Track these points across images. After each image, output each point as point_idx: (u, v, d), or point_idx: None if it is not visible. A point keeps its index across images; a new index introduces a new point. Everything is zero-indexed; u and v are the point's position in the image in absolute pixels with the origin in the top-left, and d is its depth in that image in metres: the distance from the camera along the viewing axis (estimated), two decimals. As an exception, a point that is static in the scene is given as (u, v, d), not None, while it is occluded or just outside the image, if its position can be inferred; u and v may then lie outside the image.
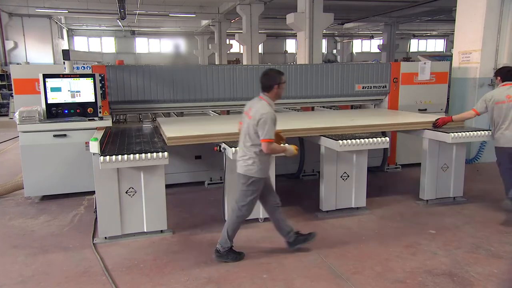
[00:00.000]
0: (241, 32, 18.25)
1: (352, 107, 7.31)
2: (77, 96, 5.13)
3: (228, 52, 24.22)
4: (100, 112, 5.20)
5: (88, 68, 5.50)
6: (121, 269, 3.58)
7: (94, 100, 5.16)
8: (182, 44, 31.79)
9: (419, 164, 5.32)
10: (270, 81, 3.57)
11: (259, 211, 4.53)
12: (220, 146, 4.32)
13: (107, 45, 30.57)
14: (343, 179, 4.77)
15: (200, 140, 4.45)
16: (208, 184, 6.03)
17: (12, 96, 8.79)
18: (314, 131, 4.78)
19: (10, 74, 10.24)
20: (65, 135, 5.15)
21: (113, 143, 4.38)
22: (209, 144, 4.47)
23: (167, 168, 4.23)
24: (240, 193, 3.68)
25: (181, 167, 5.87)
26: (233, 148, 4.01)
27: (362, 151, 4.72)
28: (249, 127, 3.52)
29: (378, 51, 30.10)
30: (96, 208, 4.20)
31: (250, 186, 3.59)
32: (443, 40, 36.17)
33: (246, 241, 4.14)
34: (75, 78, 5.09)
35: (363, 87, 6.67)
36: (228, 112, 6.64)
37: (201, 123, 5.42)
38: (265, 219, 4.59)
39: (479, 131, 4.88)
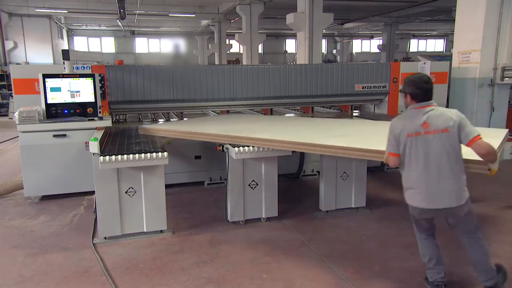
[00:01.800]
0: (241, 32, 18.24)
1: (351, 107, 7.32)
2: (76, 96, 5.13)
3: (228, 52, 24.20)
4: (100, 112, 5.20)
5: (88, 68, 5.50)
6: (120, 269, 3.58)
7: (94, 100, 5.16)
8: (182, 44, 31.77)
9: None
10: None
11: (262, 210, 4.53)
12: (223, 146, 4.32)
13: (107, 45, 30.55)
14: (343, 179, 4.77)
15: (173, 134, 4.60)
16: (208, 184, 6.02)
17: (12, 96, 8.79)
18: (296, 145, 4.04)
19: (9, 74, 10.23)
20: (64, 135, 5.14)
21: (113, 143, 4.39)
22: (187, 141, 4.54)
23: (167, 168, 4.23)
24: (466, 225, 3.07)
25: (181, 167, 5.87)
26: (236, 148, 4.01)
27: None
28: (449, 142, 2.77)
29: (378, 51, 30.11)
30: (96, 208, 4.20)
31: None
32: (443, 40, 36.16)
33: (246, 241, 4.14)
34: (74, 78, 5.09)
35: (362, 87, 6.67)
36: (228, 112, 6.64)
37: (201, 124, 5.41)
38: (268, 219, 4.60)
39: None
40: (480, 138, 2.73)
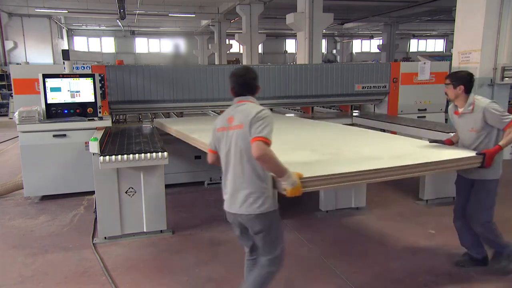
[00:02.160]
0: (241, 32, 18.23)
1: (351, 107, 7.33)
2: (76, 96, 5.13)
3: (228, 52, 24.18)
4: (99, 112, 5.20)
5: (88, 68, 5.50)
6: (120, 269, 3.58)
7: (93, 100, 5.16)
8: (181, 44, 31.76)
9: (418, 164, 5.31)
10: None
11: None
12: None
13: (107, 45, 30.53)
14: (343, 179, 4.76)
15: None
16: (208, 184, 6.03)
17: (12, 96, 8.79)
18: None
19: (9, 74, 10.23)
20: (64, 135, 5.15)
21: (112, 143, 4.39)
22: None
23: (167, 168, 4.23)
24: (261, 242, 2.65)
25: (181, 167, 5.87)
26: None
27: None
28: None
29: (378, 51, 30.09)
30: (95, 208, 4.20)
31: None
32: (442, 40, 36.15)
33: (246, 241, 4.14)
34: (74, 78, 5.09)
35: (362, 87, 6.67)
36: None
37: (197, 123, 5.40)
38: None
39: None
40: (264, 141, 2.27)
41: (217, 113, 6.55)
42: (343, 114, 7.29)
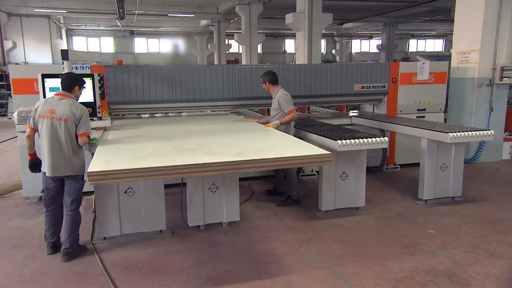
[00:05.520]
0: (240, 32, 18.23)
1: (347, 107, 7.36)
2: (76, 96, 5.11)
3: (227, 52, 24.18)
4: (99, 112, 5.18)
5: (87, 68, 5.49)
6: (120, 269, 3.57)
7: (93, 100, 5.14)
8: (181, 44, 31.76)
9: (418, 164, 5.32)
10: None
11: (223, 216, 4.50)
12: None
13: (106, 45, 30.53)
14: (342, 179, 4.78)
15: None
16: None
17: (11, 96, 8.76)
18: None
19: (8, 74, 10.20)
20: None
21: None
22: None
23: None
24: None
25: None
26: None
27: (361, 151, 4.73)
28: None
29: (377, 51, 30.11)
30: (95, 208, 4.20)
31: None
32: (442, 40, 36.20)
33: (245, 241, 4.15)
34: (74, 78, 5.07)
35: (362, 87, 6.67)
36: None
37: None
38: (229, 223, 4.57)
39: (478, 131, 4.88)
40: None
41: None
42: (340, 114, 7.30)
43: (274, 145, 3.85)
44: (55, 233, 3.91)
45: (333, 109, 7.85)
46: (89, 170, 2.79)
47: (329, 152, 3.37)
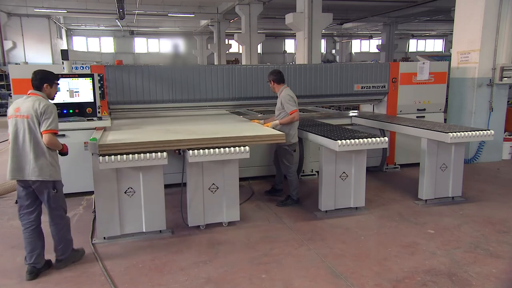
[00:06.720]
0: (240, 32, 18.23)
1: (339, 107, 7.36)
2: (75, 96, 5.11)
3: (227, 52, 24.18)
4: (99, 112, 5.18)
5: (87, 68, 5.50)
6: (120, 269, 3.58)
7: (93, 100, 5.15)
8: (181, 44, 31.75)
9: (418, 164, 5.32)
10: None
11: (223, 216, 4.50)
12: (180, 150, 4.18)
13: (106, 45, 30.52)
14: (342, 179, 4.78)
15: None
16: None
17: (11, 96, 8.78)
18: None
19: (8, 74, 10.20)
20: (64, 135, 5.14)
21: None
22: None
23: (167, 168, 4.22)
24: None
25: (180, 167, 5.84)
26: (191, 151, 3.94)
27: (361, 151, 4.73)
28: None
29: (377, 51, 30.12)
30: (95, 208, 4.20)
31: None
32: (442, 40, 36.18)
33: (245, 241, 4.15)
34: (73, 78, 5.08)
35: (362, 87, 6.67)
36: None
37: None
38: (229, 223, 4.56)
39: (478, 131, 4.88)
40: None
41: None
42: (340, 114, 7.31)
43: (243, 130, 4.58)
44: (32, 254, 3.41)
45: (334, 109, 7.86)
46: (100, 143, 3.61)
47: (281, 133, 4.29)
